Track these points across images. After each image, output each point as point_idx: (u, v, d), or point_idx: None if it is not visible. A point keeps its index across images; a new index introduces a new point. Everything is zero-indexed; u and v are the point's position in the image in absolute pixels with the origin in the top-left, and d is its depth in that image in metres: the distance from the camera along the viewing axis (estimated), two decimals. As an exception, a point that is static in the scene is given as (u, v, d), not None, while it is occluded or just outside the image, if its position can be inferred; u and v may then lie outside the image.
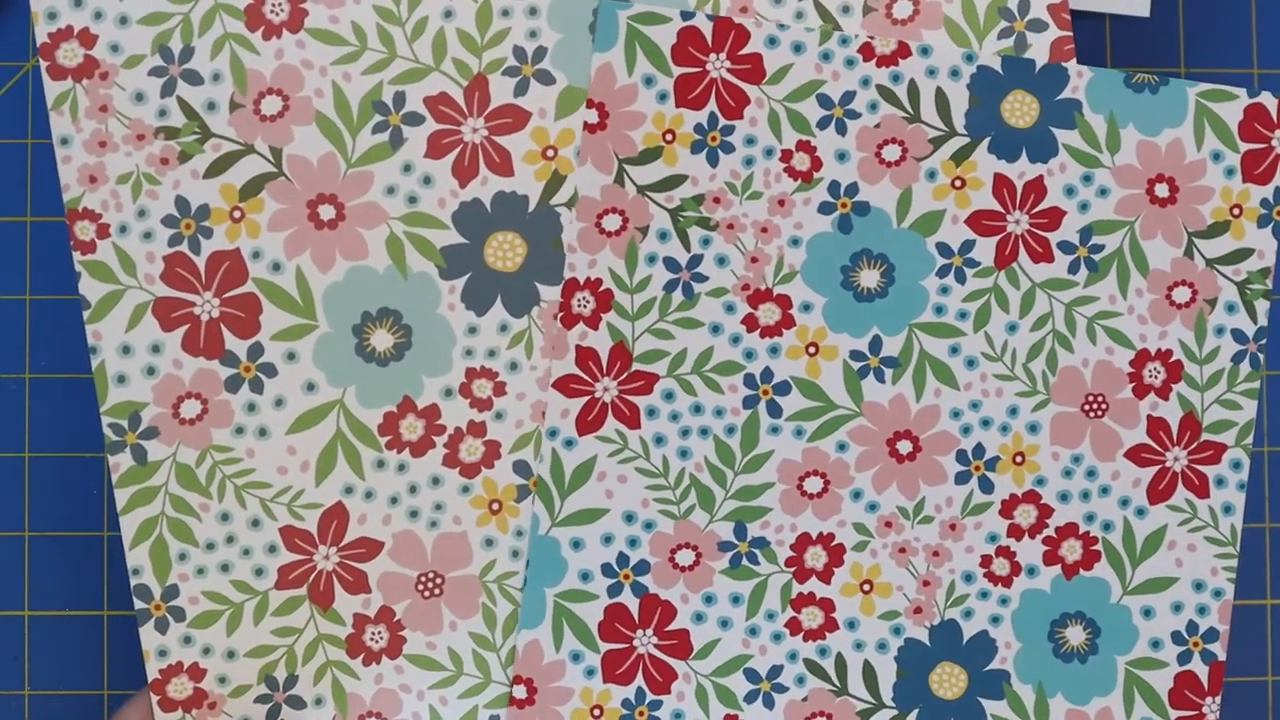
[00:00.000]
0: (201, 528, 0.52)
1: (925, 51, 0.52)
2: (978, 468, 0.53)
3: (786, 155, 0.52)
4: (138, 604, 0.52)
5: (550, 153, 0.52)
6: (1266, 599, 0.57)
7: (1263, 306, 0.53)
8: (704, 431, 0.53)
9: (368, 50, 0.51)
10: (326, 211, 0.52)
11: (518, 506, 0.53)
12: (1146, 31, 0.56)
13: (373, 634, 0.53)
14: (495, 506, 0.53)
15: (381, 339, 0.52)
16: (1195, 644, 0.54)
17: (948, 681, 0.54)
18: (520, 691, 0.53)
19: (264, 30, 0.51)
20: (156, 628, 0.52)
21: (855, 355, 0.53)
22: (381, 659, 0.53)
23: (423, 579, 0.53)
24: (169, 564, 0.52)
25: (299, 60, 0.51)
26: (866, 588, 0.54)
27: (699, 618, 0.53)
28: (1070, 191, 0.53)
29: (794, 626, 0.53)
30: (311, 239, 0.52)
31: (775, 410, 0.53)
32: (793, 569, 0.53)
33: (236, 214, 0.51)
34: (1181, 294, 0.53)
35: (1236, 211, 0.53)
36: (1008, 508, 0.53)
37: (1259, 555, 0.57)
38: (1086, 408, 0.53)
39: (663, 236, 0.52)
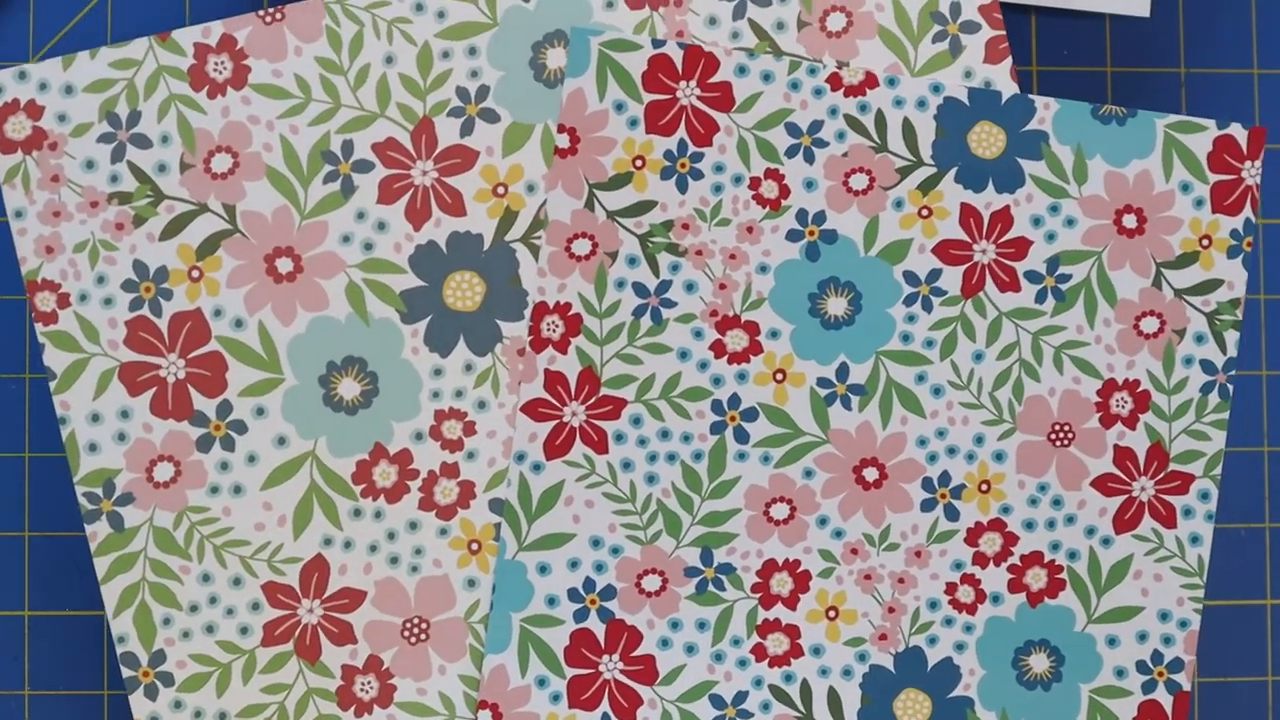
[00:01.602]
0: (184, 590, 0.53)
1: (892, 82, 0.53)
2: (943, 495, 0.54)
3: (755, 183, 0.53)
4: (125, 672, 0.53)
5: (501, 190, 0.53)
6: (1266, 599, 0.58)
7: (1232, 337, 0.54)
8: (671, 457, 0.54)
9: (313, 101, 0.52)
10: (284, 264, 0.53)
11: (497, 545, 0.53)
12: (1146, 31, 0.57)
13: (362, 684, 0.54)
14: (475, 546, 0.54)
15: (348, 388, 0.53)
16: (1160, 673, 0.55)
17: (912, 708, 0.55)
18: (485, 717, 0.53)
19: (208, 89, 0.52)
20: (146, 694, 0.53)
21: (822, 382, 0.54)
22: (373, 709, 0.54)
23: (408, 625, 0.54)
24: (154, 629, 0.53)
25: (245, 116, 0.52)
26: (832, 614, 0.54)
27: (665, 643, 0.54)
28: (1037, 221, 0.53)
29: (759, 652, 0.54)
30: (271, 293, 0.53)
31: (742, 436, 0.54)
32: (759, 595, 0.54)
33: (195, 273, 0.52)
34: (1150, 324, 0.54)
35: (1206, 242, 0.54)
36: (973, 535, 0.54)
37: (1259, 555, 0.57)
38: (1053, 437, 0.54)
39: (632, 262, 0.53)
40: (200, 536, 0.53)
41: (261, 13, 0.52)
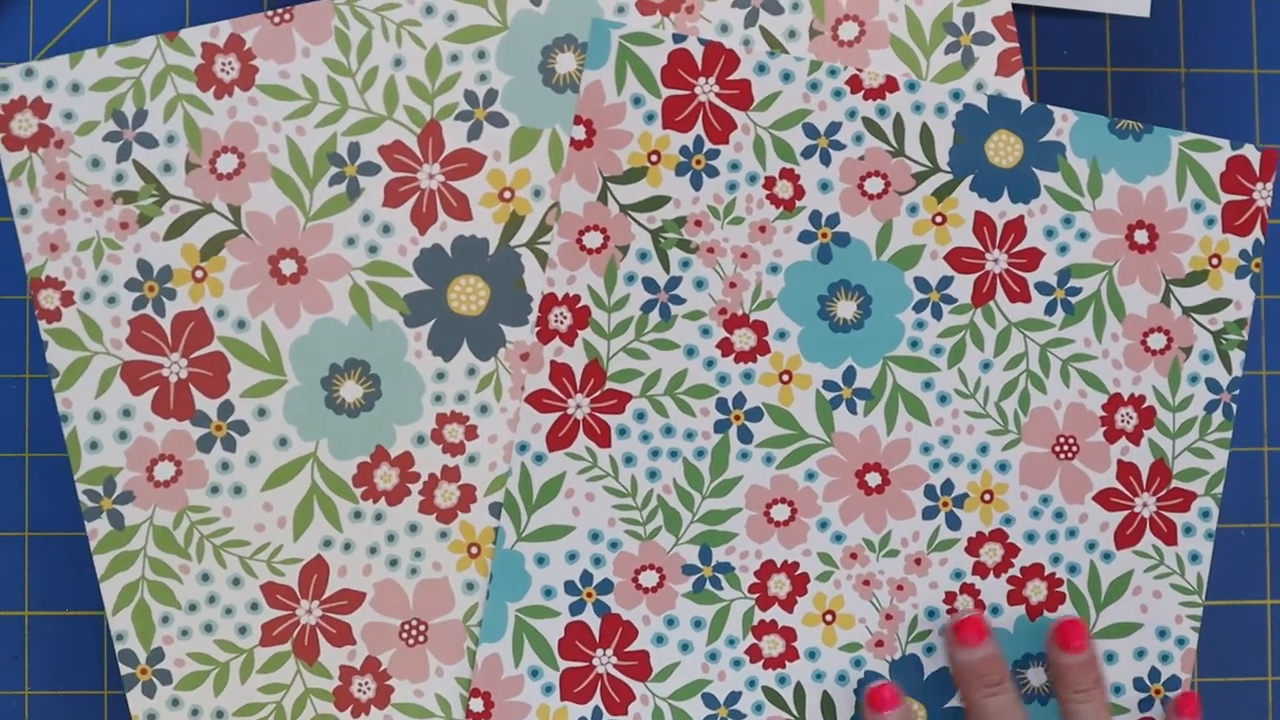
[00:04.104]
0: (183, 589, 0.54)
1: (913, 87, 0.53)
2: (946, 504, 0.54)
3: (770, 182, 0.54)
4: (123, 669, 0.54)
5: (507, 194, 0.54)
6: (1266, 599, 0.58)
7: (1238, 357, 0.55)
8: (674, 454, 0.54)
9: (320, 103, 0.54)
10: (288, 266, 0.54)
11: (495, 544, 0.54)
12: (1146, 31, 0.58)
13: (360, 685, 0.55)
14: (474, 550, 0.55)
15: (351, 390, 0.54)
16: (1157, 691, 0.55)
17: (906, 716, 0.55)
18: (477, 705, 0.54)
19: (215, 89, 0.53)
20: (144, 692, 0.54)
21: (828, 385, 0.54)
22: (370, 710, 0.55)
23: (406, 627, 0.55)
24: (152, 627, 0.54)
25: (252, 117, 0.54)
26: (829, 618, 0.55)
27: (660, 640, 0.54)
28: (1050, 233, 0.54)
29: (754, 654, 0.54)
30: (275, 294, 0.54)
31: (746, 436, 0.54)
32: (756, 596, 0.54)
33: (199, 274, 0.54)
34: (1157, 340, 0.54)
35: (1215, 261, 0.54)
36: (974, 545, 0.55)
37: (1259, 555, 0.58)
38: (1057, 449, 0.55)
39: (643, 256, 0.54)
40: (200, 536, 0.54)
41: (270, 13, 0.53)
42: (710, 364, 0.55)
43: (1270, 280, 0.58)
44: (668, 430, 0.54)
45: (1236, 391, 0.55)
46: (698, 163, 0.54)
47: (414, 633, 0.55)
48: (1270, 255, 0.58)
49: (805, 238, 0.54)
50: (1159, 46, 0.58)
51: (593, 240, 0.54)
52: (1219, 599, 0.58)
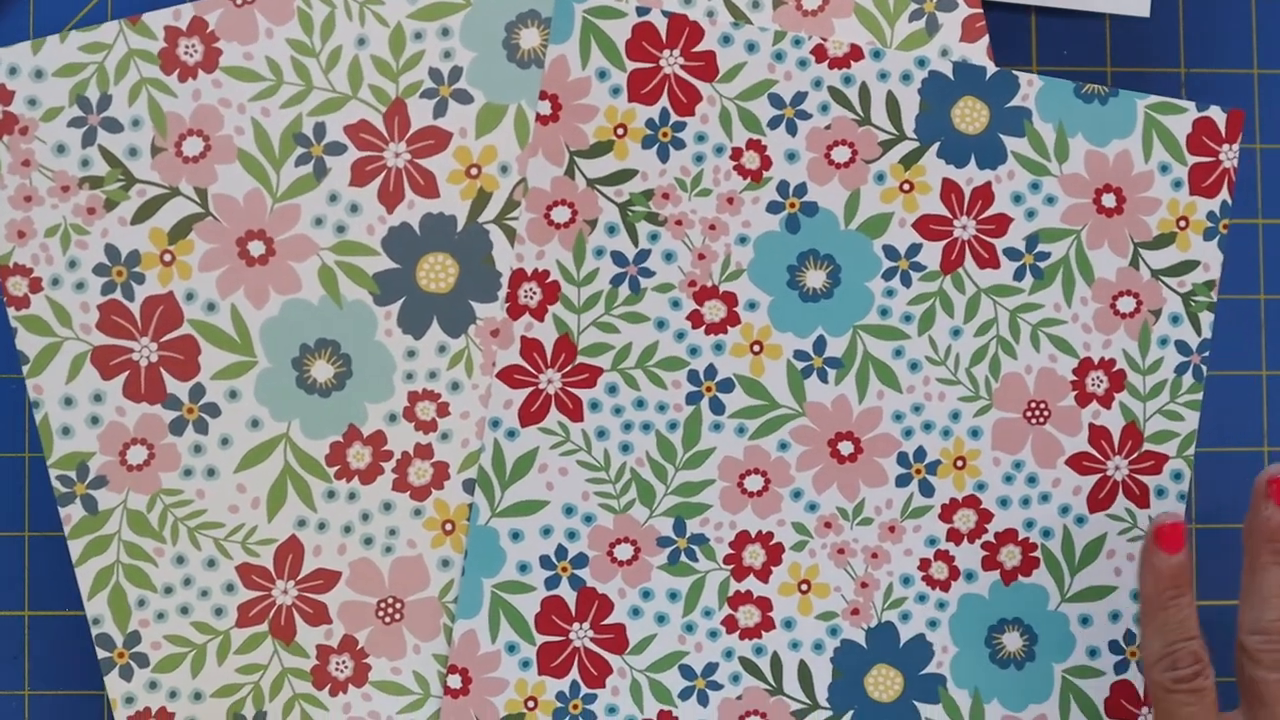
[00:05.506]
0: (158, 572, 0.54)
1: (878, 55, 0.53)
2: (918, 471, 0.55)
3: (737, 153, 0.54)
4: (100, 653, 0.54)
5: (474, 171, 0.54)
6: None
7: (1207, 319, 0.55)
8: (646, 426, 0.54)
9: (284, 84, 0.54)
10: (256, 248, 0.54)
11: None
12: (1146, 31, 0.58)
13: (337, 664, 0.55)
14: (448, 527, 0.55)
15: (322, 370, 0.54)
16: (1132, 653, 0.56)
17: (883, 684, 0.55)
18: (455, 681, 0.54)
19: (179, 72, 0.54)
20: (121, 675, 0.54)
21: (799, 355, 0.54)
22: (348, 688, 0.55)
23: (382, 605, 0.55)
24: (128, 611, 0.54)
25: (217, 99, 0.54)
26: (804, 588, 0.55)
27: (636, 613, 0.54)
28: (1018, 199, 0.54)
29: (730, 624, 0.55)
30: (244, 276, 0.54)
31: (718, 407, 0.54)
32: (731, 567, 0.54)
33: (167, 257, 0.54)
34: (1126, 304, 0.55)
35: (1183, 224, 0.55)
36: (947, 512, 0.55)
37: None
38: (1029, 414, 0.55)
39: (611, 230, 0.54)
40: (174, 519, 0.54)
41: None
42: (681, 336, 0.55)
43: (1270, 280, 0.58)
44: (639, 403, 0.55)
45: (1206, 353, 0.55)
46: (664, 135, 0.54)
47: (390, 611, 0.55)
48: (1270, 254, 0.58)
49: (773, 208, 0.54)
50: (1159, 46, 0.58)
51: (560, 215, 0.54)
52: (1219, 598, 0.58)
